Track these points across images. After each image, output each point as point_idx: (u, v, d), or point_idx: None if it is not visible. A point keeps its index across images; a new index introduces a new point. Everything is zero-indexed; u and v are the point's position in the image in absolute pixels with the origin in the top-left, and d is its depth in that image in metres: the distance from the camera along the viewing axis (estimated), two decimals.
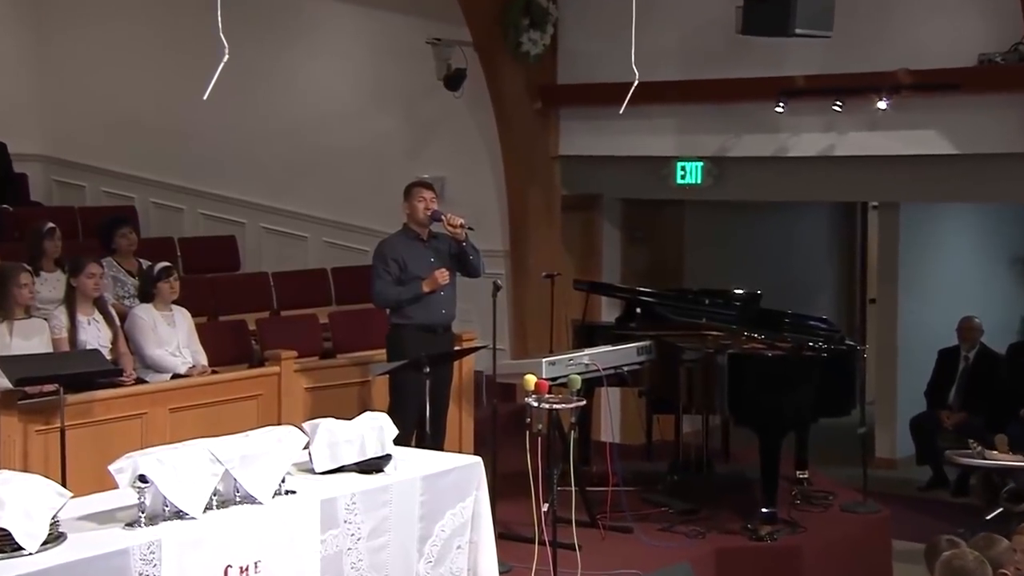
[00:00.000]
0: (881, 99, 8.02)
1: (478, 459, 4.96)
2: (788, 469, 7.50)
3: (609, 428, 8.18)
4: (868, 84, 8.06)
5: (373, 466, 4.58)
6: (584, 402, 5.88)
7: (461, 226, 6.62)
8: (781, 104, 8.32)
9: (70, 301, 6.70)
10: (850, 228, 12.87)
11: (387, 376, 6.71)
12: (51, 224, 7.65)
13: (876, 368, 9.92)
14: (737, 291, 8.09)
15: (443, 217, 6.64)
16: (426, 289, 6.61)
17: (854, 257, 12.90)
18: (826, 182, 8.92)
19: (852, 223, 12.83)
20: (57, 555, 3.60)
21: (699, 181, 9.23)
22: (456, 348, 7.08)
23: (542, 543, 5.66)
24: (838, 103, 8.12)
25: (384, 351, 6.88)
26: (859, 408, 7.03)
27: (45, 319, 6.64)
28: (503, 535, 5.81)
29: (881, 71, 8.06)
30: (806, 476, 7.78)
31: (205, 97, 4.76)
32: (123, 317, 7.06)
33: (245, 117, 10.69)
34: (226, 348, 7.63)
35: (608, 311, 9.48)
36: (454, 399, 7.19)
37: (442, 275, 6.63)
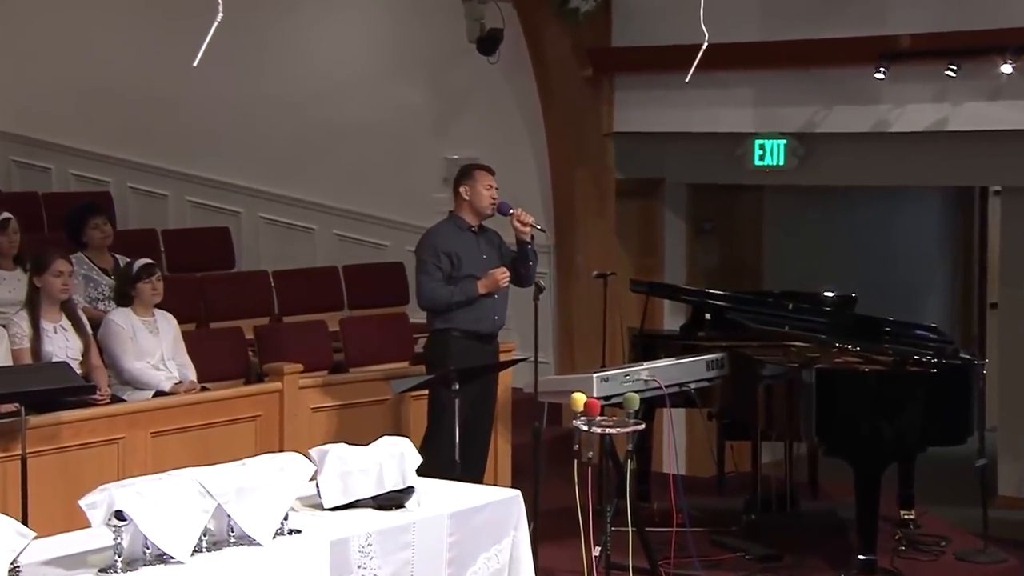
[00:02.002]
0: (1005, 61, 7.95)
1: (517, 493, 4.96)
2: (890, 508, 7.45)
3: (673, 457, 8.16)
4: (989, 43, 7.98)
5: (392, 501, 4.59)
6: (643, 426, 5.87)
7: (532, 225, 6.65)
8: (882, 69, 8.26)
9: (33, 305, 6.74)
10: (966, 218, 12.78)
11: (413, 395, 6.72)
12: (6, 214, 7.70)
13: (998, 387, 9.83)
14: (827, 294, 8.07)
15: (512, 211, 6.68)
16: (482, 291, 6.67)
17: (971, 253, 12.81)
18: (937, 163, 8.85)
19: (969, 212, 12.74)
20: None
21: (781, 162, 9.19)
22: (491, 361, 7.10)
23: None
24: (952, 67, 8.05)
25: (407, 363, 6.89)
26: (977, 435, 6.97)
27: (3, 326, 6.69)
28: None
29: (1005, 27, 7.98)
30: (912, 517, 7.73)
31: (195, 64, 4.79)
32: (96, 323, 7.10)
33: (242, 88, 10.75)
34: (218, 360, 7.66)
35: (672, 317, 9.45)
36: None
37: (503, 275, 6.68)
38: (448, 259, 6.68)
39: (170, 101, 10.96)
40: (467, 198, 6.77)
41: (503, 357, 7.32)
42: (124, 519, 3.82)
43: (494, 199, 6.75)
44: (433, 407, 6.71)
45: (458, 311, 6.67)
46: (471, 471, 6.28)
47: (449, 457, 6.09)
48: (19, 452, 5.64)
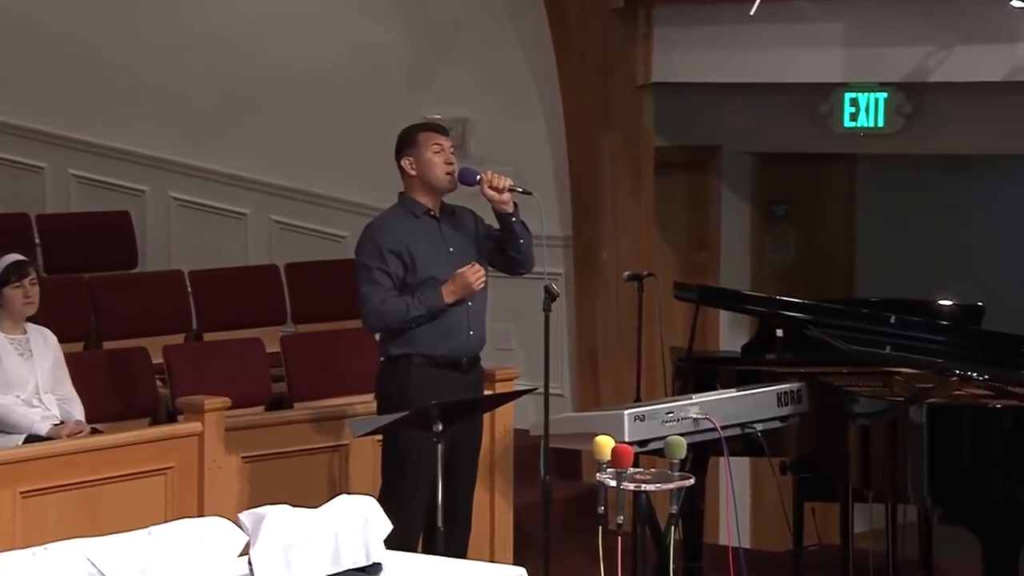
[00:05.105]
0: None
1: (521, 572, 4.95)
2: None
3: (733, 524, 8.16)
4: None
5: None
6: (692, 480, 5.85)
7: (510, 190, 6.63)
8: None
9: None
10: None
11: (379, 440, 6.73)
12: None
13: None
14: (944, 303, 8.05)
15: (480, 178, 6.63)
16: (450, 299, 6.61)
17: None
18: None
19: None
20: None
21: (881, 123, 9.21)
22: (487, 393, 7.08)
23: None
24: None
25: (372, 397, 6.90)
26: None
27: None
28: None
29: None
30: None
31: None
32: None
33: (148, 23, 10.76)
34: (115, 393, 7.69)
35: (731, 334, 9.46)
36: (483, 474, 7.20)
37: (476, 274, 6.61)
38: (398, 259, 6.60)
39: (48, 40, 10.97)
40: (414, 172, 6.69)
41: (502, 389, 7.31)
42: None
43: (450, 164, 6.71)
44: (392, 457, 6.68)
45: (419, 329, 6.64)
46: (453, 543, 6.29)
47: (415, 524, 6.09)
48: None
